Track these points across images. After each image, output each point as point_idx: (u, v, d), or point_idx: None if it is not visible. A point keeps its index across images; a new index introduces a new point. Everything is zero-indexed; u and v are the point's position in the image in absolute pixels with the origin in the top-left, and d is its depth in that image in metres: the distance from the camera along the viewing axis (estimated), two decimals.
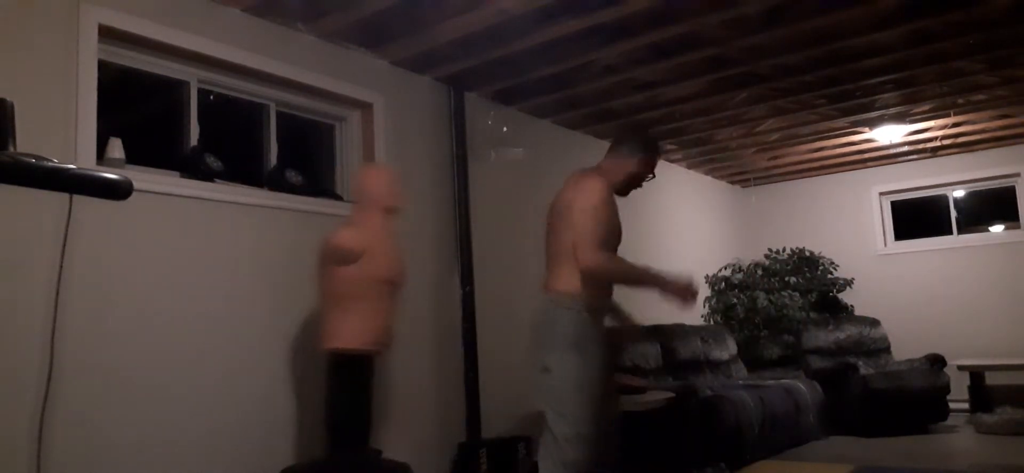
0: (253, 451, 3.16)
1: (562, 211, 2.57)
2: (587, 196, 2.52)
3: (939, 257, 6.99)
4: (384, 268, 3.05)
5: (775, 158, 6.72)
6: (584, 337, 2.48)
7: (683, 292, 2.49)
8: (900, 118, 5.62)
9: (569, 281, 2.51)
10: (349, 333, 2.99)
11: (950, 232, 7.09)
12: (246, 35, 3.36)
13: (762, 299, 6.63)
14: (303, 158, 3.81)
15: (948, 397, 5.80)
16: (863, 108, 5.29)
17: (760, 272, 7.02)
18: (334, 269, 3.01)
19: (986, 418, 5.52)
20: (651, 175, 2.75)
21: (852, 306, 7.09)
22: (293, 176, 3.57)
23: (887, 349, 6.41)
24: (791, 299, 6.70)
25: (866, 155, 6.85)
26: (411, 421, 3.89)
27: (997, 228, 7.01)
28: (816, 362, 6.25)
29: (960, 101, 5.25)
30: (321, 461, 3.09)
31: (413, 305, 4.01)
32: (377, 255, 3.03)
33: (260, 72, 3.44)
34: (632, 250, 5.85)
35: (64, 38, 2.74)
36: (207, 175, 3.20)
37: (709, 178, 7.38)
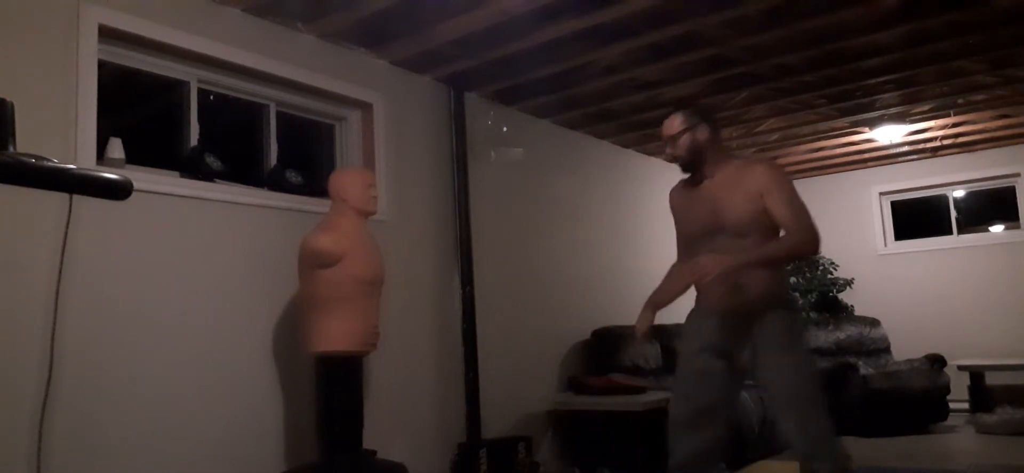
0: (253, 451, 3.16)
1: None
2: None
3: (939, 257, 6.99)
4: (365, 268, 3.05)
5: (775, 158, 6.72)
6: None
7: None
8: (900, 118, 5.62)
9: None
10: (336, 335, 2.99)
11: (950, 232, 7.09)
12: (246, 35, 3.36)
13: None
14: (303, 158, 3.81)
15: (948, 397, 5.80)
16: (863, 108, 5.29)
17: None
18: (315, 272, 3.00)
19: (986, 418, 5.52)
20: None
21: (852, 306, 7.08)
22: (293, 176, 3.57)
23: (887, 349, 6.40)
24: None
25: (866, 155, 6.85)
26: (411, 421, 3.89)
27: (997, 228, 7.01)
28: (816, 362, 6.25)
29: (960, 101, 5.25)
30: (316, 464, 3.09)
31: (413, 305, 4.00)
32: (357, 256, 3.02)
33: (260, 72, 3.44)
34: (631, 248, 5.85)
35: (64, 38, 2.74)
36: (207, 175, 3.20)
37: None
